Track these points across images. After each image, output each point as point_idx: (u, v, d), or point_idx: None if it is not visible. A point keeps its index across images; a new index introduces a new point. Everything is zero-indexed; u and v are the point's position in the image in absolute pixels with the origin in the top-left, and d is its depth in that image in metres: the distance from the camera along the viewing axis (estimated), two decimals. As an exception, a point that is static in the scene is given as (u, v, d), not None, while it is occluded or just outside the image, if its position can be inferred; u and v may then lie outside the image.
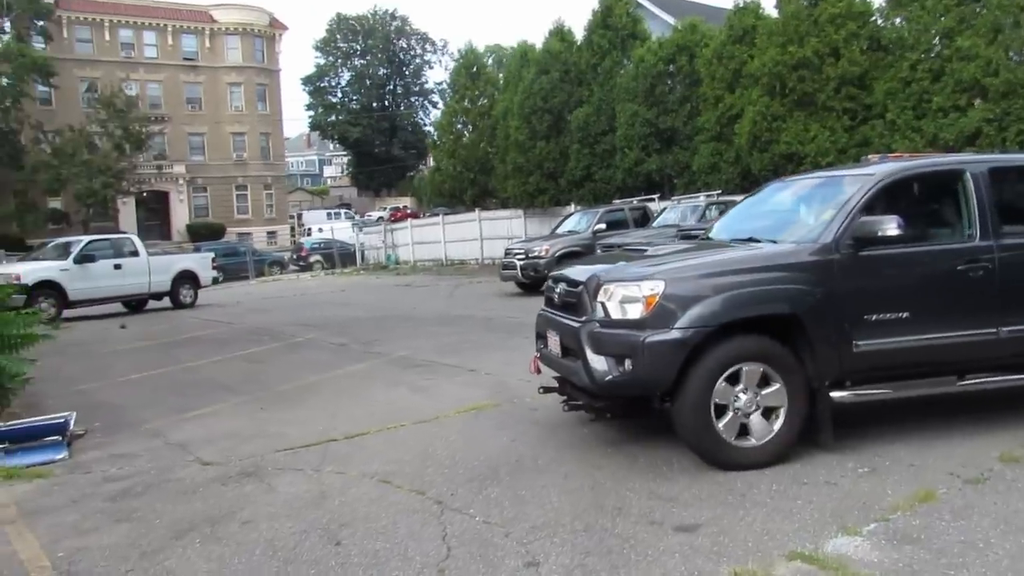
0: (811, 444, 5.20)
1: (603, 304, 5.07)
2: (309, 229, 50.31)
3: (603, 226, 18.14)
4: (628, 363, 4.85)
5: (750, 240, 5.63)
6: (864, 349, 5.06)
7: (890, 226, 4.94)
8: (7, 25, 43.96)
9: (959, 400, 6.16)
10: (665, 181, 22.82)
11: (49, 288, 18.10)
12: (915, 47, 16.80)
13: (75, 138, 41.90)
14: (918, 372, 5.28)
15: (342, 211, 62.41)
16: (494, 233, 28.33)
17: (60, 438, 6.25)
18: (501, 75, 31.76)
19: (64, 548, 4.25)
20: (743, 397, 4.88)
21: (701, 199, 18.75)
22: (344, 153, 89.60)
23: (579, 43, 25.38)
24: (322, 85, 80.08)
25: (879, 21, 18.10)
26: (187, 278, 21.11)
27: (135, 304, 20.66)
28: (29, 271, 18.08)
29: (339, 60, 79.85)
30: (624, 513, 4.29)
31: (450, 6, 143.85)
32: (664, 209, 18.30)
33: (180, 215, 50.69)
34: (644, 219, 18.71)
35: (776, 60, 17.95)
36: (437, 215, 33.75)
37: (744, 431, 4.91)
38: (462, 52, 31.31)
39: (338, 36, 79.11)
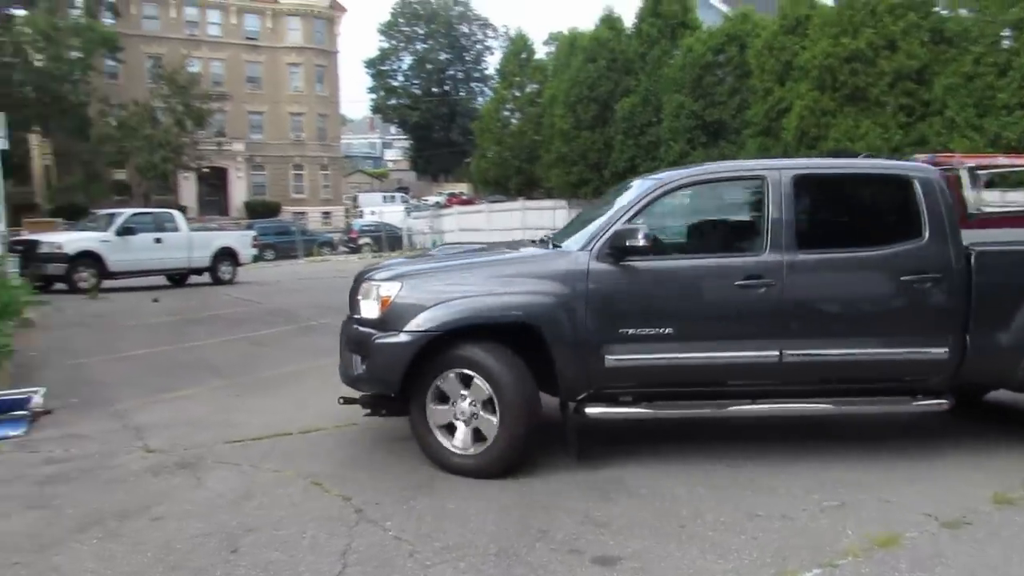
0: (783, 469, 4.77)
1: (358, 301, 5.09)
2: (362, 211, 50.73)
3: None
4: (366, 362, 4.85)
5: (553, 245, 5.27)
6: (616, 364, 4.73)
7: (637, 236, 4.58)
8: (78, 0, 45.21)
9: (958, 429, 5.63)
10: (710, 175, 22.10)
11: (90, 258, 18.47)
12: (980, 40, 15.80)
13: (139, 112, 42.92)
14: (688, 392, 4.91)
15: (397, 195, 62.88)
16: (537, 223, 27.90)
17: (26, 413, 6.19)
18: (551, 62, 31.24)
19: (-36, 534, 4.12)
20: (462, 404, 4.76)
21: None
22: (404, 137, 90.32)
23: (628, 31, 24.73)
24: (384, 68, 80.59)
25: (942, 12, 17.08)
26: (227, 255, 21.32)
27: (177, 278, 20.98)
28: (71, 241, 18.48)
29: (401, 44, 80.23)
30: (547, 537, 3.95)
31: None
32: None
33: (238, 192, 51.62)
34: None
35: (827, 52, 17.11)
36: (493, 202, 33.46)
37: (479, 437, 4.76)
38: (511, 38, 30.90)
39: (401, 20, 79.48)
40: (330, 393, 6.93)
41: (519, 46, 30.53)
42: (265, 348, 10.12)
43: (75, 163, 45.79)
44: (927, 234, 4.81)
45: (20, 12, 44.43)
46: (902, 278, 4.77)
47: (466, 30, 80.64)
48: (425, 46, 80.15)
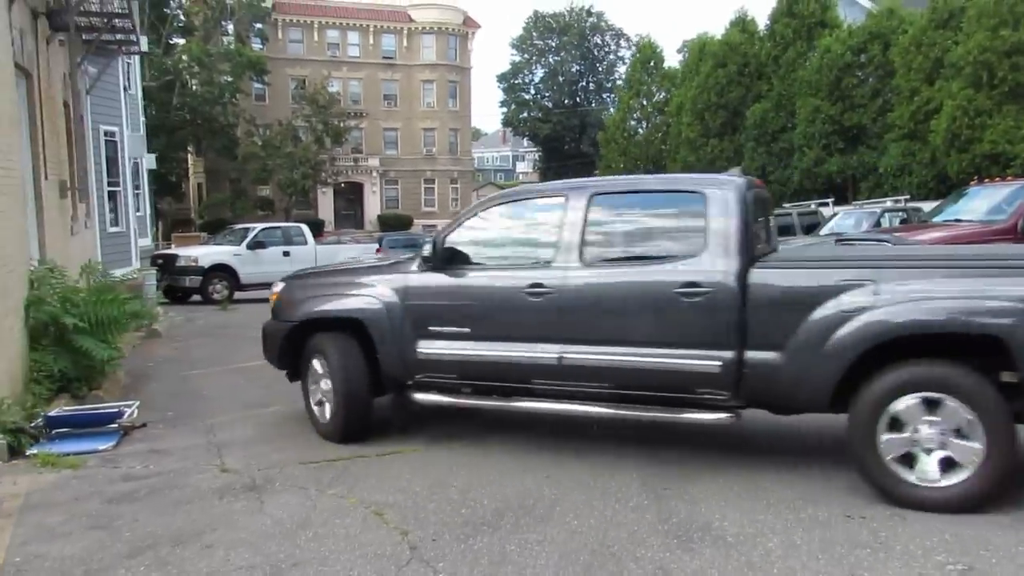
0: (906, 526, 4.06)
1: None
2: (489, 223, 51.17)
3: (765, 232, 16.59)
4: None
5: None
6: (423, 356, 5.62)
7: (425, 248, 5.66)
8: (230, 28, 48.33)
9: None
10: (848, 184, 20.61)
11: (223, 271, 19.37)
12: None
13: (281, 132, 45.28)
14: (489, 386, 5.59)
15: (526, 206, 62.99)
16: (662, 234, 27.08)
17: (116, 427, 6.29)
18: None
19: (24, 553, 4.10)
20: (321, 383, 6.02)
21: (889, 204, 16.61)
22: (535, 149, 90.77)
23: (760, 33, 23.56)
24: (516, 82, 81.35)
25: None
26: (351, 267, 21.84)
27: (305, 289, 21.69)
28: (205, 254, 19.44)
29: (534, 57, 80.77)
30: (610, 595, 3.47)
31: (646, 2, 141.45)
32: (835, 215, 16.39)
33: (372, 205, 53.40)
34: (815, 225, 16.89)
35: (984, 46, 15.51)
36: None
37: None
38: (639, 45, 30.21)
39: (534, 33, 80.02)
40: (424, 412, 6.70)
41: (646, 54, 29.81)
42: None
43: (223, 180, 48.91)
44: (706, 249, 4.83)
45: (180, 41, 48.06)
46: (674, 291, 4.84)
47: (599, 41, 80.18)
48: (557, 58, 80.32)
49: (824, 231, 15.39)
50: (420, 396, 5.79)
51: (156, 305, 16.48)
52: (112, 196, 13.87)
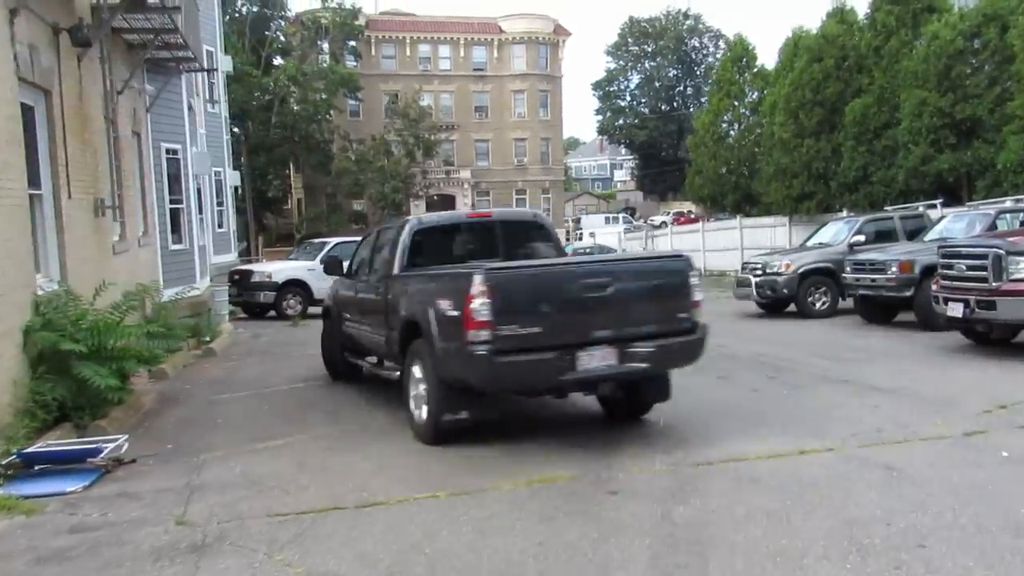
0: None
1: None
2: (580, 233, 50.27)
3: (862, 238, 15.03)
4: None
5: None
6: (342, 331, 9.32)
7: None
8: (325, 46, 49.41)
9: None
10: (963, 183, 18.63)
11: (297, 286, 19.29)
12: None
13: (374, 146, 45.84)
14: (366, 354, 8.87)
15: (620, 215, 61.79)
16: (755, 243, 25.49)
17: (97, 464, 5.82)
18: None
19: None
20: None
21: (1008, 205, 14.75)
22: (632, 157, 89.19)
23: (860, 23, 21.76)
24: (611, 89, 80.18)
25: None
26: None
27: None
28: (279, 270, 19.41)
29: (629, 63, 79.38)
30: None
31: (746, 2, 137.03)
32: (942, 218, 14.66)
33: (464, 217, 53.34)
34: (920, 230, 15.16)
35: (1121, 22, 13.53)
36: (722, 220, 31.19)
37: None
38: (730, 44, 28.68)
39: (629, 39, 78.67)
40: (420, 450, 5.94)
41: (738, 52, 28.27)
42: (405, 386, 9.40)
43: (320, 195, 49.94)
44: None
45: (280, 61, 49.48)
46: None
47: (696, 43, 77.97)
48: (653, 63, 78.63)
49: (930, 236, 13.73)
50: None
51: (223, 322, 16.51)
52: (175, 214, 13.85)
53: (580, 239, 49.34)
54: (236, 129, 45.56)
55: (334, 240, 21.17)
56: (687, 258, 6.62)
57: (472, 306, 5.58)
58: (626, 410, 7.01)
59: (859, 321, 13.87)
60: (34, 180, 7.70)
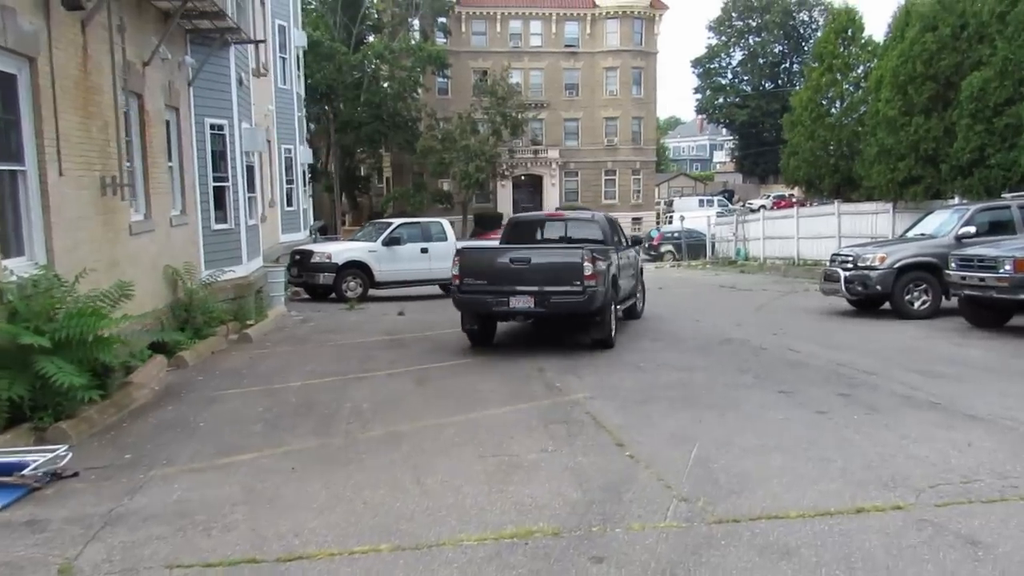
0: None
1: None
2: (671, 217, 48.31)
3: (972, 229, 13.12)
4: None
5: None
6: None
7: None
8: (416, 23, 48.96)
9: None
10: (1100, 168, 16.21)
11: (357, 268, 18.73)
12: None
13: (461, 124, 45.13)
14: None
15: (715, 198, 59.24)
16: (855, 230, 23.32)
17: (24, 481, 5.13)
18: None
19: None
20: None
21: None
22: (732, 137, 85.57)
23: (983, -14, 19.27)
24: (712, 67, 77.00)
25: None
26: (495, 265, 20.50)
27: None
28: (339, 251, 18.88)
29: (732, 39, 75.93)
30: None
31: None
32: (1071, 208, 12.60)
33: (552, 198, 52.19)
34: (1043, 221, 13.12)
35: None
36: (828, 204, 28.79)
37: None
38: (833, 13, 26.25)
39: (733, 14, 75.21)
40: (408, 477, 5.00)
41: (842, 22, 25.87)
42: (421, 388, 8.49)
43: (407, 174, 49.75)
44: None
45: (370, 38, 49.36)
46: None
47: (805, 17, 73.76)
48: (758, 39, 74.99)
49: (1054, 229, 11.78)
50: None
51: (276, 304, 16.07)
52: (219, 192, 13.37)
53: (670, 222, 47.44)
54: (327, 107, 45.89)
55: (397, 221, 20.51)
56: (582, 252, 10.29)
57: (453, 270, 10.73)
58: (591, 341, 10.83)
59: (964, 325, 12.10)
60: (16, 155, 7.12)
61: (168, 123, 11.73)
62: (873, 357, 9.70)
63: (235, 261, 13.83)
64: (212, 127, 13.15)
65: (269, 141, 20.59)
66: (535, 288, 10.04)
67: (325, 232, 38.29)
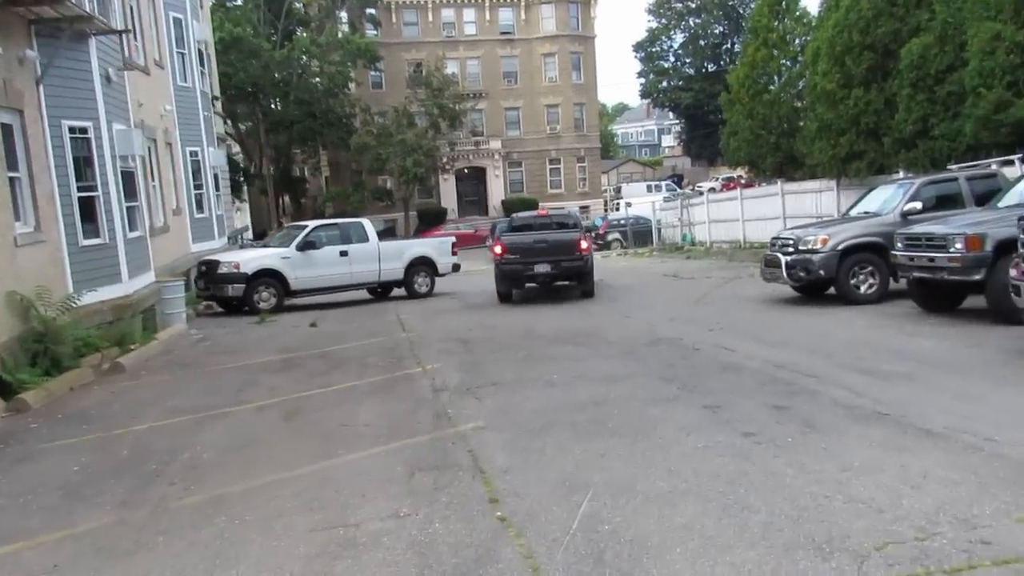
0: None
1: None
2: (618, 204, 47.40)
3: (918, 204, 12.17)
4: None
5: None
6: None
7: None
8: (343, 16, 47.17)
9: None
10: (1046, 133, 15.43)
11: (270, 277, 17.24)
12: None
13: (396, 118, 43.56)
14: None
15: (664, 183, 58.59)
16: (800, 210, 22.51)
17: None
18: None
19: None
20: None
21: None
22: (678, 121, 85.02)
23: (918, -53, 18.44)
24: (654, 50, 76.22)
25: None
26: (422, 265, 19.19)
27: (379, 290, 19.35)
28: (248, 259, 17.36)
29: (672, 22, 75.23)
30: None
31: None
32: (1022, 177, 11.67)
33: (496, 190, 50.96)
34: (992, 192, 12.18)
35: None
36: (772, 185, 27.88)
37: None
38: (767, -15, 25.30)
39: (671, -3, 74.51)
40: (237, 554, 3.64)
41: (775, -5, 24.96)
42: (287, 424, 7.17)
43: (344, 172, 48.02)
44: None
45: (299, 33, 47.44)
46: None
47: (744, -3, 73.36)
48: (698, 20, 74.38)
49: (1006, 200, 10.79)
50: None
51: (175, 322, 14.56)
52: (88, 203, 11.81)
53: (618, 209, 46.49)
54: (256, 106, 43.83)
55: (312, 224, 19.05)
56: (579, 229, 17.00)
57: (496, 249, 16.10)
58: (579, 292, 16.15)
59: (914, 310, 11.13)
60: None
61: (10, 127, 10.18)
62: (815, 354, 8.62)
63: (113, 279, 12.30)
64: (72, 130, 11.57)
65: (170, 144, 18.94)
66: (551, 258, 15.25)
67: (263, 237, 36.47)
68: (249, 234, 34.36)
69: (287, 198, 49.36)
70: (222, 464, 5.98)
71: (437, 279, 19.50)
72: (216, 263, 17.15)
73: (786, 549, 3.81)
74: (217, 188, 22.41)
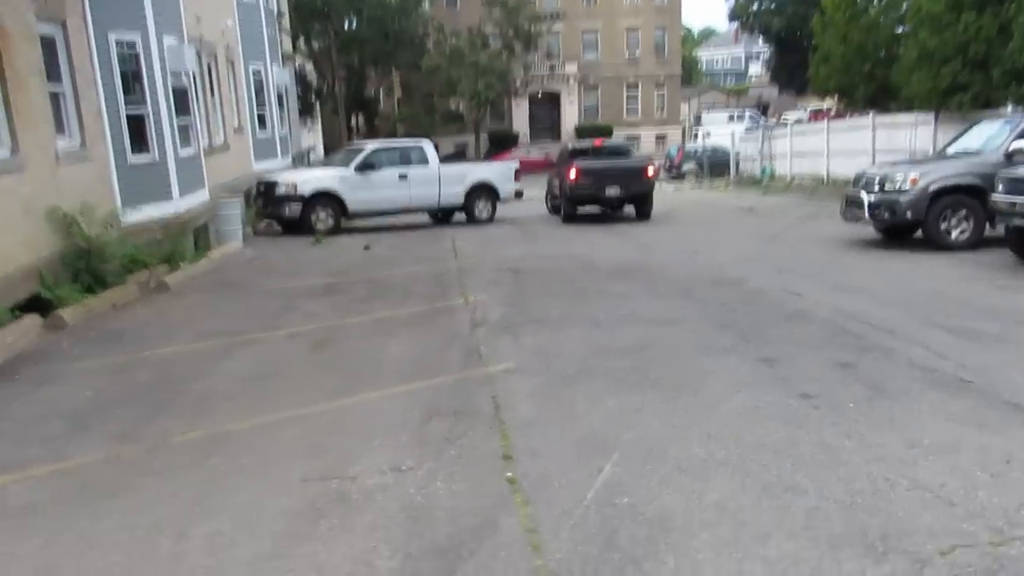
0: None
1: None
2: (696, 133, 45.45)
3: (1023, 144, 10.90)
4: None
5: None
6: None
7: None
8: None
9: None
10: None
11: (327, 198, 16.97)
12: None
13: (469, 39, 42.40)
14: None
15: (747, 112, 55.90)
16: (891, 145, 20.86)
17: None
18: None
19: None
20: None
21: None
22: (767, 47, 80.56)
23: None
24: (746, -32, 71.77)
25: None
26: (484, 191, 18.63)
27: (439, 215, 18.96)
28: (306, 180, 17.09)
29: (769, -65, 70.44)
30: None
31: None
32: None
33: (570, 116, 49.56)
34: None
35: None
36: (864, 116, 26.04)
37: None
38: None
39: (769, -93, 69.58)
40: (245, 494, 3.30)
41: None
42: (314, 354, 6.84)
43: (417, 95, 47.30)
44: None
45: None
46: None
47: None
48: (797, -65, 69.42)
49: None
50: None
51: (231, 240, 14.47)
52: (137, 120, 11.59)
53: (696, 139, 44.64)
54: (328, 24, 43.21)
55: (372, 145, 18.61)
56: (646, 158, 22.29)
57: (571, 174, 16.99)
58: (636, 214, 18.03)
59: (1012, 260, 10.07)
60: None
61: (52, 40, 9.90)
62: (893, 306, 7.79)
63: (163, 197, 12.15)
64: (120, 44, 11.27)
65: (232, 61, 18.62)
66: (621, 183, 17.11)
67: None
68: (317, 153, 34.21)
69: (361, 118, 49.04)
70: (235, 397, 5.69)
71: (500, 205, 18.94)
72: (274, 183, 16.95)
73: (831, 544, 3.24)
74: (281, 107, 22.12)
